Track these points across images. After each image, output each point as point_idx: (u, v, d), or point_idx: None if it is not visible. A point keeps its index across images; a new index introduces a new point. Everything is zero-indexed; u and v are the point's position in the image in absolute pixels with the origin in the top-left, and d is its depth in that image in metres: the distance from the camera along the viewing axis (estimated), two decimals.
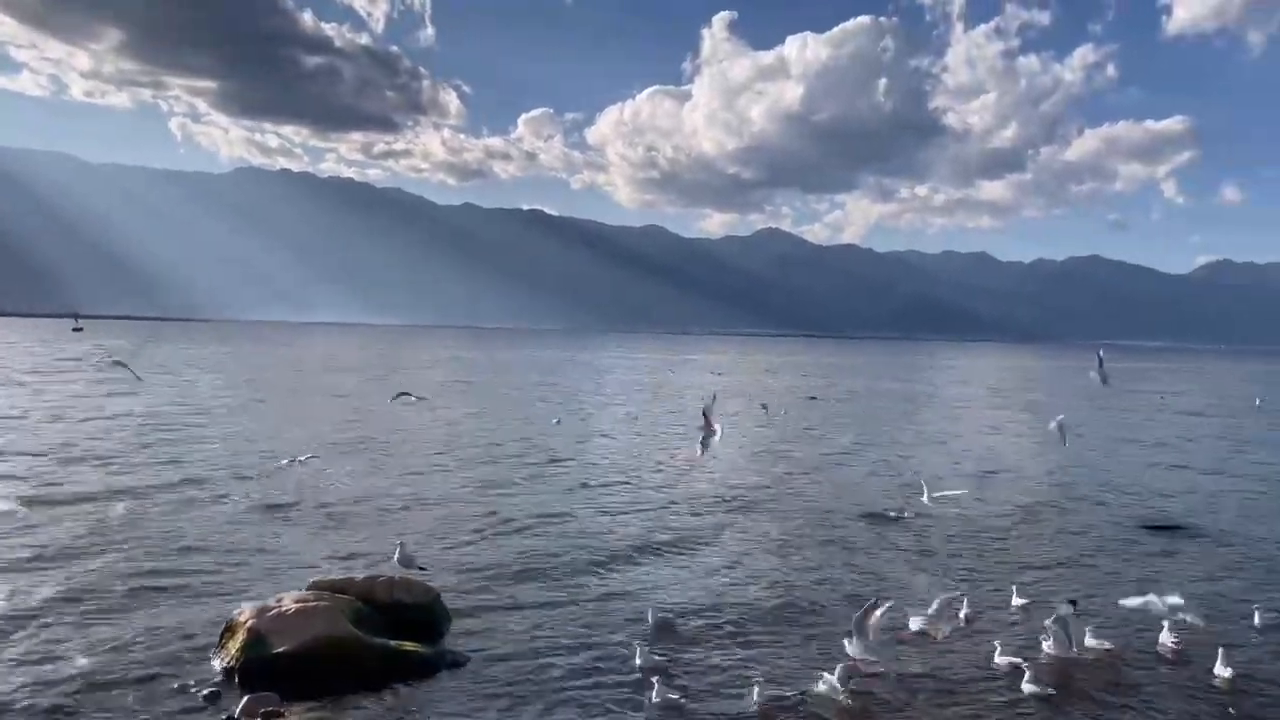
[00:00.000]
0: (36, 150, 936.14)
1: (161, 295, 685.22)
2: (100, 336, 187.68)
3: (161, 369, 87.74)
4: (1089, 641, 15.85)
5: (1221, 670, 14.98)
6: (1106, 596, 19.15)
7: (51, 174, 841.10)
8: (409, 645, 14.68)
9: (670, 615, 17.03)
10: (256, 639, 13.88)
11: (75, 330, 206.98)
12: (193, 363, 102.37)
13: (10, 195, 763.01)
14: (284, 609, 14.45)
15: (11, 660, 14.20)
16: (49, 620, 15.98)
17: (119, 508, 24.94)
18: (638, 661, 14.80)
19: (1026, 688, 14.21)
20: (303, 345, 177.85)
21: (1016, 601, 18.39)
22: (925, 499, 26.98)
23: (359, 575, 16.68)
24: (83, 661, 14.25)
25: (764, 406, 53.38)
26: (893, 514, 27.46)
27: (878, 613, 14.73)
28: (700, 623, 17.15)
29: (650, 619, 16.66)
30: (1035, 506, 29.71)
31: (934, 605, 16.58)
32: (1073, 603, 15.95)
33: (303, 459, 33.90)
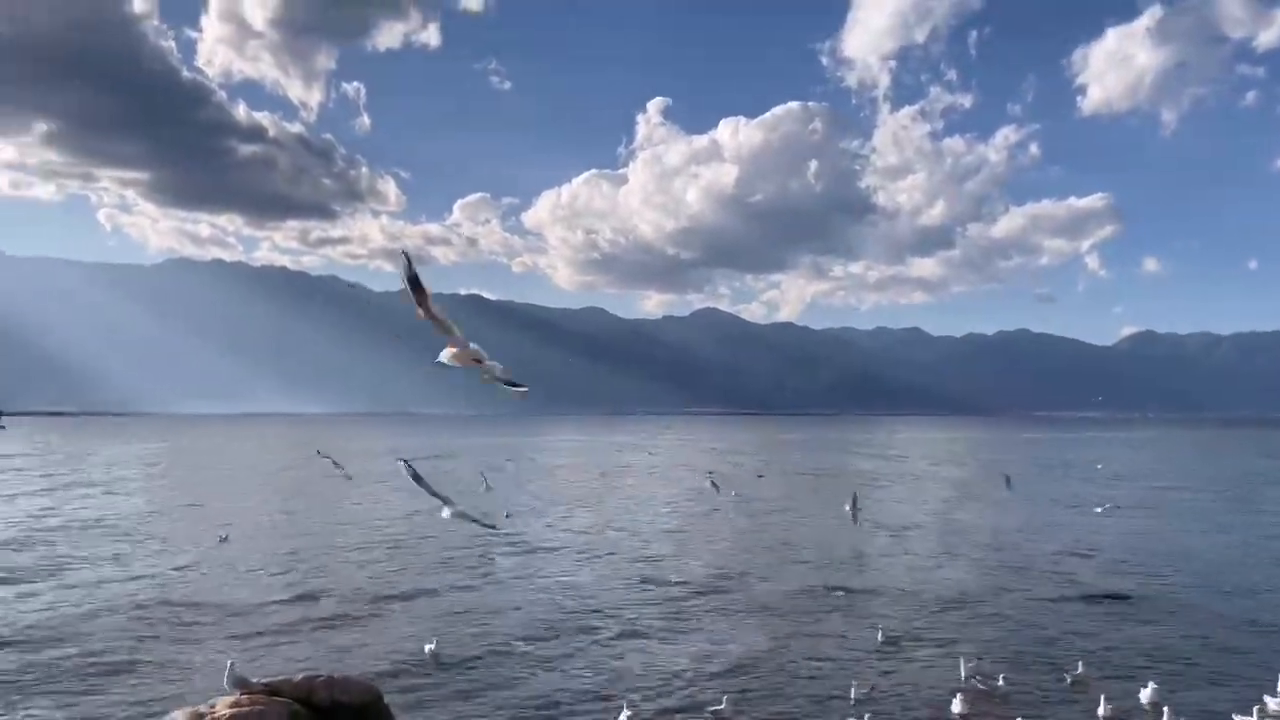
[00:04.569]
0: None
1: (89, 390, 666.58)
2: (23, 434, 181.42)
3: (81, 466, 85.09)
4: None
5: None
6: (1042, 673, 19.39)
7: None
8: None
9: (636, 710, 16.52)
10: None
11: None
12: (120, 461, 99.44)
13: None
14: (218, 715, 13.94)
15: None
16: None
17: (41, 615, 23.98)
18: None
19: None
20: (237, 438, 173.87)
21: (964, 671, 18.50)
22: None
23: (296, 676, 16.14)
24: None
25: (715, 485, 53.50)
26: (841, 591, 27.57)
27: None
28: (658, 711, 16.69)
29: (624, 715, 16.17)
30: (986, 577, 30.10)
31: None
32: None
33: (224, 535, 35.08)
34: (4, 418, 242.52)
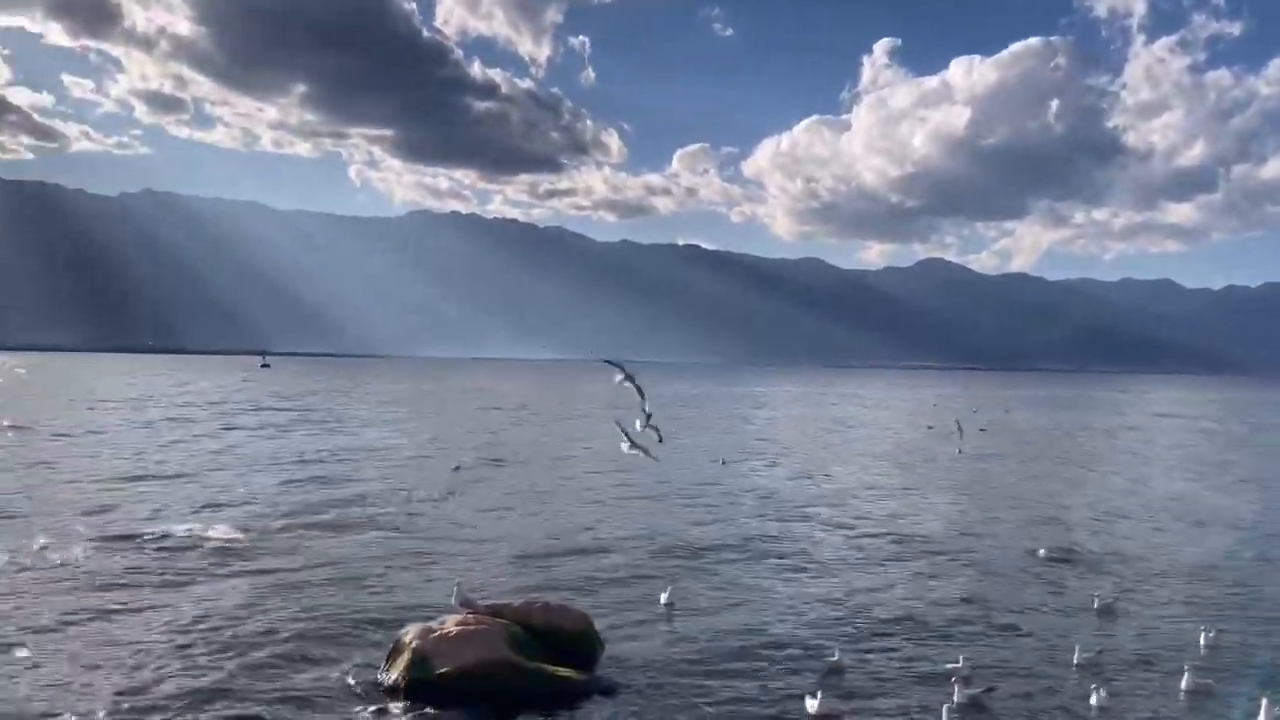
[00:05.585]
0: (229, 199, 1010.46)
1: (340, 334, 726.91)
2: (286, 373, 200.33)
3: (359, 404, 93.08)
4: None
5: None
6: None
7: (242, 221, 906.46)
8: (563, 670, 14.95)
9: (845, 659, 16.29)
10: (420, 659, 14.48)
11: (263, 367, 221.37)
12: (372, 399, 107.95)
13: (206, 242, 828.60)
14: (446, 631, 14.99)
15: (192, 668, 15.28)
16: (230, 635, 17.10)
17: (303, 533, 26.54)
18: (810, 709, 14.08)
19: None
20: (475, 380, 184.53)
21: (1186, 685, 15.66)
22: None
23: (516, 600, 17.09)
24: (259, 673, 15.20)
25: (959, 429, 53.81)
26: (1060, 554, 26.10)
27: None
28: (874, 669, 16.34)
29: (832, 660, 16.11)
30: (1239, 549, 27.62)
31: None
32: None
33: (457, 467, 38.01)
34: (269, 357, 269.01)
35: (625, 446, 21.79)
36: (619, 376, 20.29)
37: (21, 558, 22.22)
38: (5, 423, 58.06)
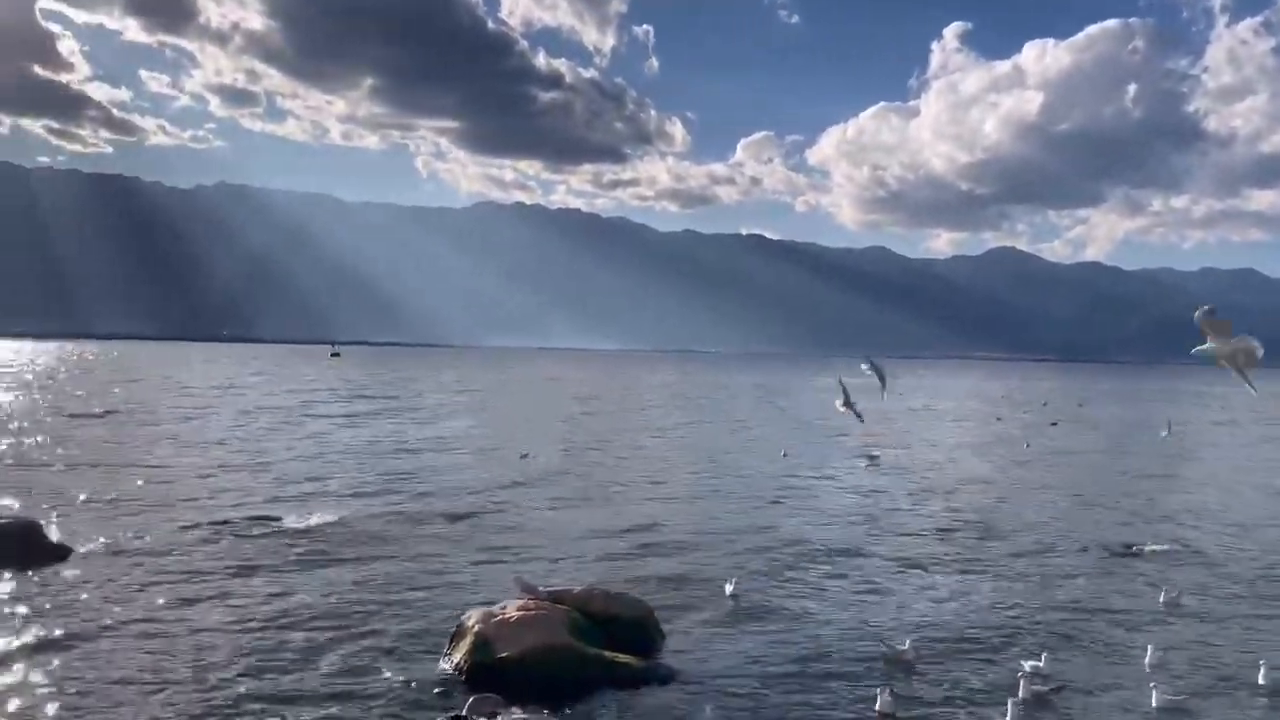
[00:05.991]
0: (300, 191, 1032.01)
1: (408, 324, 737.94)
2: (357, 362, 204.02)
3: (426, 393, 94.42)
4: None
5: None
6: None
7: (313, 213, 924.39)
8: (622, 657, 15.05)
9: (905, 649, 16.07)
10: (482, 643, 14.69)
11: (333, 356, 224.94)
12: (441, 389, 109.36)
13: (277, 233, 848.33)
14: (508, 616, 15.19)
15: (261, 650, 15.72)
16: (298, 619, 17.53)
17: (374, 520, 27.06)
18: (879, 706, 13.82)
19: None
20: (543, 370, 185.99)
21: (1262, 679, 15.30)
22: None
23: (576, 587, 17.21)
24: (328, 655, 15.57)
25: (998, 419, 52.16)
26: (1133, 549, 25.49)
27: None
28: (945, 665, 16.06)
29: (901, 648, 15.99)
30: None
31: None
32: None
33: (525, 455, 39.29)
34: (338, 346, 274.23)
35: (839, 404, 23.98)
36: (865, 364, 21.78)
37: (109, 543, 23.00)
38: (97, 409, 60.34)
